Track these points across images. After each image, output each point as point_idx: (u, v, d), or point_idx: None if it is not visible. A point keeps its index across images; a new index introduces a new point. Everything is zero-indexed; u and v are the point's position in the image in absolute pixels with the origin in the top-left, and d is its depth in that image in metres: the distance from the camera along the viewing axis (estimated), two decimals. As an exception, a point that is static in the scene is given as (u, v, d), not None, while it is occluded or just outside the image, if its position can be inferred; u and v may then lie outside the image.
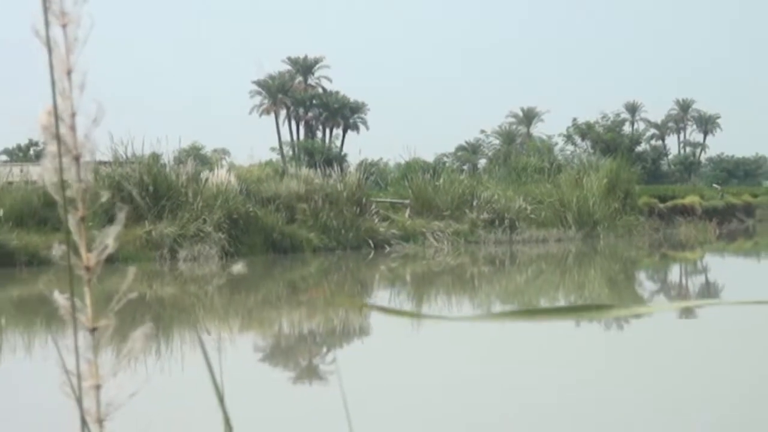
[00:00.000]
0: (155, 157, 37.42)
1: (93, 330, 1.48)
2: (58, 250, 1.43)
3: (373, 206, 44.29)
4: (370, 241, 41.06)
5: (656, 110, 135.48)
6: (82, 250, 1.45)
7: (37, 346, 19.26)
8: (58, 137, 1.36)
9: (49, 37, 1.35)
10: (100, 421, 1.51)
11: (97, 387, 1.49)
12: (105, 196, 1.42)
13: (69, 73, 1.37)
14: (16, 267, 31.07)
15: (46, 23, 1.34)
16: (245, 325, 20.48)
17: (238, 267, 31.35)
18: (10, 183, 36.00)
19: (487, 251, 42.40)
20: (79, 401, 1.47)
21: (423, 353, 18.06)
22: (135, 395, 1.56)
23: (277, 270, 33.51)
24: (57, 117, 1.36)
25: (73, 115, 1.38)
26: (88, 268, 1.46)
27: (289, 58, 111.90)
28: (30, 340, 20.22)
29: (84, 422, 1.48)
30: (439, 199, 47.31)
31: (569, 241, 47.63)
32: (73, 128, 1.39)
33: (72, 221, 1.42)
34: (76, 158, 1.41)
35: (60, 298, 1.46)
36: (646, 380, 14.48)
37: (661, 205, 61.63)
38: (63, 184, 1.41)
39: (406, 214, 46.08)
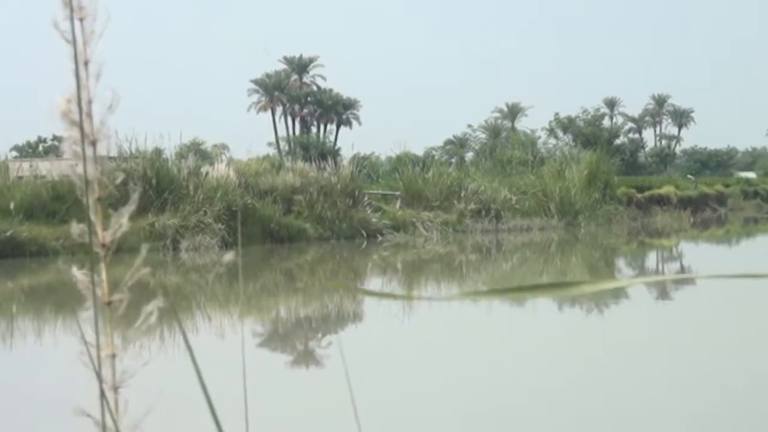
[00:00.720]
0: (158, 152, 37.44)
1: (109, 303, 1.51)
2: (77, 228, 1.46)
3: (366, 198, 44.34)
4: (363, 231, 41.10)
5: (634, 105, 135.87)
6: (99, 229, 1.48)
7: (47, 332, 19.29)
8: (80, 124, 1.40)
9: (68, 29, 1.39)
10: (115, 388, 1.54)
11: (113, 356, 1.53)
12: (121, 177, 1.44)
13: (86, 63, 1.40)
14: (26, 257, 31.10)
15: (70, 18, 1.37)
16: (244, 311, 20.48)
17: (228, 256, 31.39)
18: (20, 178, 36.08)
19: (474, 240, 42.44)
20: (98, 370, 1.50)
21: (413, 334, 18.11)
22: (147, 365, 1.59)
23: (275, 259, 33.53)
24: (79, 104, 1.39)
25: (90, 102, 1.42)
26: (104, 245, 1.49)
27: (285, 58, 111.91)
28: (40, 326, 20.23)
29: (102, 390, 1.51)
30: (428, 190, 47.38)
31: (552, 230, 47.69)
32: (90, 115, 1.42)
33: (90, 201, 1.45)
34: (93, 143, 1.44)
35: (79, 274, 1.49)
36: (623, 356, 14.55)
37: (639, 195, 61.76)
38: (85, 167, 1.44)
39: (397, 205, 46.14)
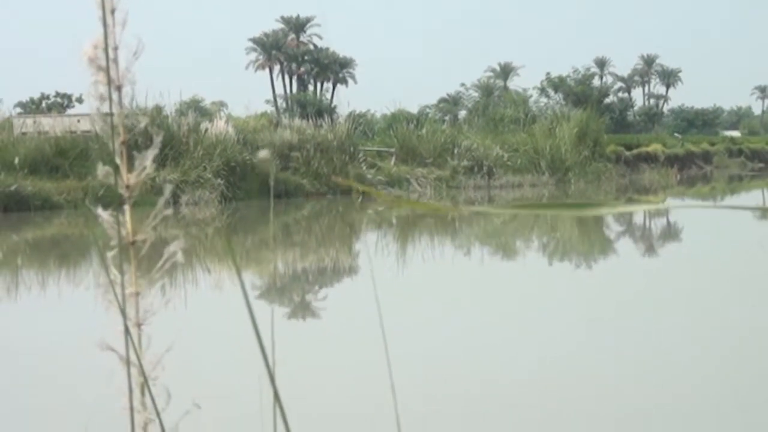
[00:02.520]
0: (158, 109, 37.36)
1: (133, 243, 1.53)
2: (102, 170, 1.48)
3: (361, 154, 44.39)
4: (358, 188, 41.05)
5: (623, 65, 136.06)
6: (124, 171, 1.50)
7: (51, 283, 19.32)
8: (107, 69, 1.41)
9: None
10: (138, 325, 1.56)
11: (137, 294, 1.55)
12: (144, 122, 1.46)
13: (113, 11, 1.42)
14: (30, 211, 31.15)
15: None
16: (243, 264, 20.51)
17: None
18: (24, 134, 36.11)
19: (467, 195, 42.48)
20: (122, 307, 1.52)
21: (407, 283, 18.18)
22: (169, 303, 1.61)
23: (274, 212, 33.54)
24: (106, 50, 1.41)
25: (116, 48, 1.43)
26: (128, 187, 1.51)
27: (282, 17, 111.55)
28: (44, 278, 20.25)
29: (126, 327, 1.53)
30: (422, 147, 47.38)
31: (543, 186, 47.75)
32: (115, 61, 1.44)
33: (115, 145, 1.47)
34: (118, 88, 1.46)
35: (104, 215, 1.51)
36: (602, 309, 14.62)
37: (627, 153, 61.80)
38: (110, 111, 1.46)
39: (392, 162, 46.09)
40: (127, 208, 1.52)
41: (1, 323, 15.01)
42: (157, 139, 1.49)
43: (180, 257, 1.49)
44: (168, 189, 1.53)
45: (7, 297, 17.48)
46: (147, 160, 1.50)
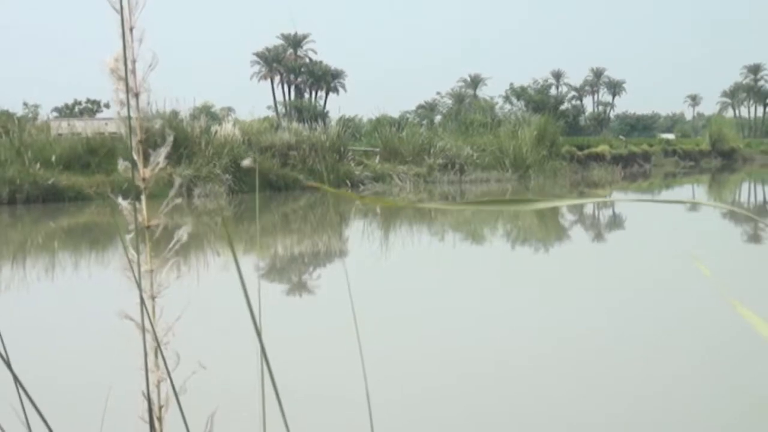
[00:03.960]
0: (175, 113, 37.39)
1: (148, 227, 1.55)
2: (122, 165, 1.49)
3: (350, 153, 44.50)
4: (348, 182, 41.20)
5: (576, 77, 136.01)
6: (140, 165, 1.51)
7: (82, 264, 19.30)
8: (126, 79, 1.43)
9: (116, 1, 1.42)
10: (153, 297, 1.57)
11: (151, 271, 1.56)
12: (159, 123, 1.48)
13: (131, 29, 1.43)
14: (65, 202, 31.20)
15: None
16: (248, 248, 20.50)
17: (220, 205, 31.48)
18: (60, 135, 36.31)
19: (441, 189, 42.51)
20: (138, 282, 1.54)
21: (389, 266, 18.21)
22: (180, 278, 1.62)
23: (274, 202, 33.54)
24: (125, 63, 1.42)
25: (134, 61, 1.45)
26: (144, 179, 1.53)
27: (282, 35, 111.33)
28: (76, 259, 20.25)
29: (142, 298, 1.55)
30: (403, 147, 47.51)
31: (507, 181, 47.82)
32: (134, 72, 1.45)
33: (133, 143, 1.49)
34: (136, 95, 1.47)
35: (123, 203, 1.52)
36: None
37: (579, 153, 61.94)
38: (129, 114, 1.47)
39: (377, 160, 46.12)
40: (143, 197, 1.53)
41: (41, 297, 15.18)
42: (169, 139, 1.51)
43: (185, 238, 1.50)
44: (177, 182, 1.55)
45: (45, 275, 17.61)
46: (160, 156, 1.51)
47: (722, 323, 10.20)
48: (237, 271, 1.45)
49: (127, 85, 1.45)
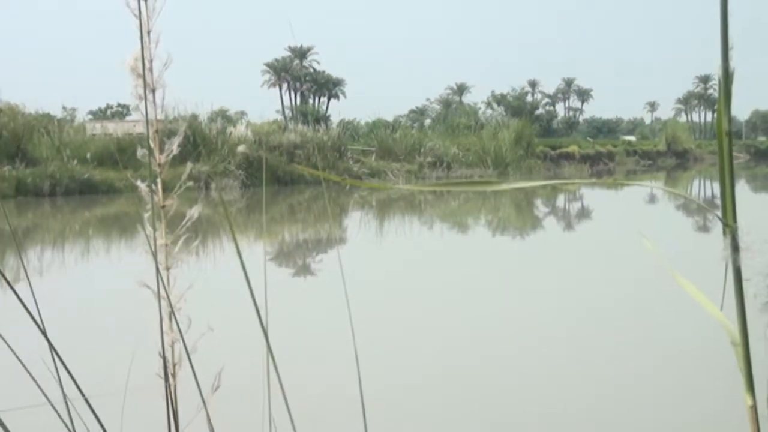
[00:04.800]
0: (194, 116, 37.38)
1: (163, 207, 1.56)
2: (140, 152, 1.50)
3: (349, 152, 44.66)
4: (347, 177, 41.18)
5: (549, 85, 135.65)
6: (156, 152, 1.52)
7: (113, 248, 19.35)
8: (144, 76, 1.44)
9: (135, 7, 1.43)
10: (168, 269, 1.58)
11: (166, 245, 1.57)
12: (171, 116, 1.49)
13: (149, 33, 1.44)
14: (98, 194, 31.27)
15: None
16: (259, 234, 20.49)
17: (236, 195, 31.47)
18: (94, 135, 36.49)
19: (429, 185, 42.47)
20: (155, 254, 1.55)
21: (384, 248, 18.22)
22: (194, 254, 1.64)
23: (281, 195, 33.52)
24: (143, 62, 1.43)
25: (151, 60, 1.46)
26: (159, 165, 1.54)
27: (289, 47, 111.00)
28: (109, 244, 20.29)
29: (157, 269, 1.55)
30: (396, 147, 47.62)
31: (488, 178, 47.75)
32: (151, 70, 1.46)
33: (150, 133, 1.50)
34: (153, 90, 1.48)
35: (141, 185, 1.53)
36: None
37: (552, 152, 62.19)
38: (146, 108, 1.48)
39: (373, 158, 46.18)
40: (159, 180, 1.54)
41: (77, 274, 15.51)
42: (181, 130, 1.52)
43: (196, 216, 1.51)
44: (189, 166, 1.55)
45: (81, 257, 17.82)
46: (173, 144, 1.52)
47: (661, 287, 10.26)
48: (234, 244, 1.46)
49: (144, 81, 1.46)
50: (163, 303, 1.53)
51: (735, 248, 1.18)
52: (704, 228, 21.33)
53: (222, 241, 18.70)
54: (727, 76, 1.13)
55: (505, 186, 1.22)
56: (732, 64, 1.11)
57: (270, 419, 1.54)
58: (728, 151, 1.17)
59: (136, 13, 1.42)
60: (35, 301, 1.49)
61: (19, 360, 1.52)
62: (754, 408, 1.20)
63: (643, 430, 6.63)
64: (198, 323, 1.55)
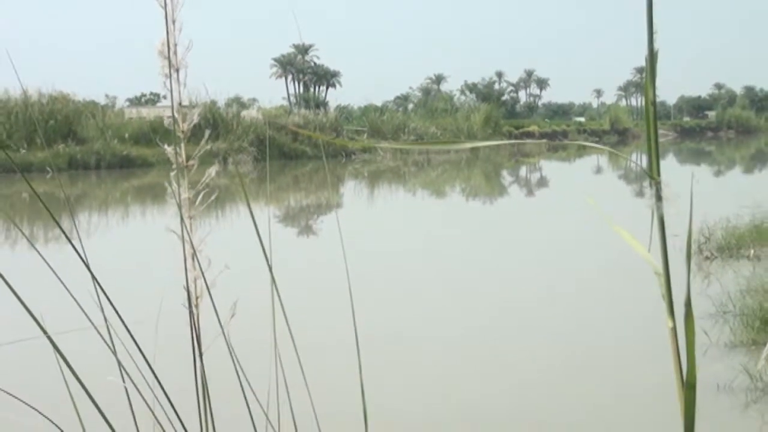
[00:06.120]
0: (213, 102, 37.37)
1: (185, 166, 1.57)
2: (167, 120, 1.51)
3: (344, 132, 44.64)
4: (343, 153, 41.27)
5: (513, 75, 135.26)
6: (180, 120, 1.53)
7: (147, 213, 19.36)
8: (169, 57, 1.45)
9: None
10: (190, 217, 1.59)
11: (189, 198, 1.58)
12: (194, 101, 1.50)
13: (174, 21, 1.45)
14: (135, 168, 31.39)
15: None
16: (268, 201, 20.48)
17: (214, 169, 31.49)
18: (131, 118, 36.99)
19: (413, 159, 42.50)
20: (179, 203, 1.56)
21: (375, 214, 18.25)
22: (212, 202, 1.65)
23: (287, 169, 33.47)
24: (168, 45, 1.45)
25: (175, 44, 1.47)
26: (183, 132, 1.55)
27: (294, 45, 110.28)
28: (143, 208, 20.31)
29: (182, 219, 1.57)
30: (384, 127, 47.69)
31: (462, 153, 47.82)
32: (175, 53, 1.47)
33: (174, 105, 1.51)
34: (177, 70, 1.49)
35: (168, 150, 1.54)
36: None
37: (516, 131, 62.16)
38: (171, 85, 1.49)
39: (365, 137, 46.15)
40: (182, 145, 1.56)
41: (119, 232, 15.77)
42: (198, 110, 1.53)
43: (214, 174, 1.52)
44: (207, 133, 1.57)
45: (121, 220, 18.06)
46: (194, 114, 1.54)
47: (601, 236, 10.34)
48: (246, 201, 1.48)
49: (169, 62, 1.47)
50: (187, 246, 1.55)
51: (659, 198, 1.20)
52: (640, 194, 21.42)
53: (237, 206, 18.70)
54: (652, 56, 1.15)
55: (468, 145, 1.24)
56: (656, 45, 1.13)
57: (275, 340, 1.57)
58: (653, 117, 1.20)
59: (161, 3, 1.43)
60: (84, 252, 1.51)
61: (71, 294, 1.54)
62: (674, 329, 1.22)
63: (586, 329, 6.87)
64: (215, 261, 1.57)
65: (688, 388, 1.15)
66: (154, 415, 1.45)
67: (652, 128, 1.20)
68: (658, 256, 1.19)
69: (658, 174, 1.18)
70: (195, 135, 1.66)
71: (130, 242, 14.35)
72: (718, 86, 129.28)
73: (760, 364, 5.75)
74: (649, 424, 5.15)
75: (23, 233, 12.28)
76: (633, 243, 1.28)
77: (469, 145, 1.21)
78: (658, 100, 1.19)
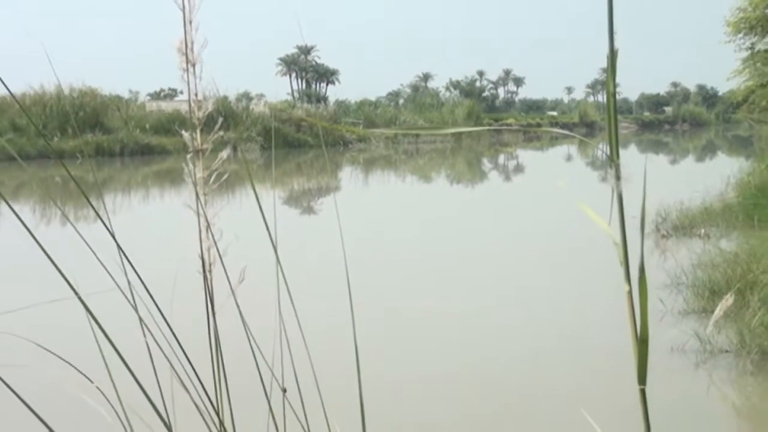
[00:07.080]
0: (225, 97, 37.29)
1: (200, 150, 1.58)
2: (185, 105, 1.52)
3: (342, 123, 44.53)
4: (341, 142, 41.20)
5: (493, 74, 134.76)
6: (195, 108, 1.54)
7: (165, 194, 19.33)
8: (186, 53, 1.46)
9: (180, 1, 1.44)
10: (204, 194, 1.60)
11: (203, 178, 1.59)
12: (208, 95, 1.50)
13: (191, 21, 1.46)
14: (154, 155, 31.35)
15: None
16: (273, 184, 20.44)
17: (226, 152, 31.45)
18: (151, 111, 37.08)
19: (403, 148, 42.46)
20: (194, 181, 1.56)
21: (370, 197, 18.24)
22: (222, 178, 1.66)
23: (291, 156, 33.40)
24: (186, 43, 1.45)
25: (192, 42, 1.47)
26: (198, 119, 1.55)
27: (297, 46, 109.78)
28: (162, 190, 20.26)
29: (197, 195, 1.57)
30: (377, 120, 47.50)
31: (447, 143, 47.78)
32: (192, 49, 1.48)
33: (191, 95, 1.51)
34: (193, 64, 1.50)
35: (186, 135, 1.55)
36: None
37: (495, 124, 62.04)
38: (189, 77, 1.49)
39: (360, 128, 46.07)
40: (198, 130, 1.56)
41: (141, 211, 15.80)
42: (211, 100, 1.54)
43: (226, 156, 1.53)
44: (220, 120, 1.57)
45: (143, 201, 18.12)
46: (209, 102, 1.54)
47: (571, 215, 10.40)
48: (250, 183, 1.49)
49: (187, 57, 1.47)
50: (201, 220, 1.56)
51: (618, 177, 1.21)
52: (605, 179, 21.45)
53: (246, 189, 18.68)
54: (612, 52, 1.16)
55: (452, 130, 1.25)
56: (616, 44, 1.15)
57: (279, 301, 1.59)
58: (614, 108, 1.21)
59: (180, 5, 1.44)
60: (111, 226, 1.52)
61: (99, 261, 1.55)
62: (629, 292, 1.24)
63: (555, 291, 6.89)
64: (227, 232, 1.58)
65: (641, 342, 1.17)
66: (172, 366, 1.47)
67: (612, 117, 1.21)
68: (617, 229, 1.21)
69: (618, 157, 1.20)
70: (208, 125, 1.67)
71: (151, 218, 14.49)
72: (675, 84, 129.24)
73: (708, 329, 5.81)
74: (612, 378, 5.20)
75: (61, 210, 12.31)
76: (595, 218, 1.30)
77: (452, 130, 1.23)
78: (621, 96, 1.22)
